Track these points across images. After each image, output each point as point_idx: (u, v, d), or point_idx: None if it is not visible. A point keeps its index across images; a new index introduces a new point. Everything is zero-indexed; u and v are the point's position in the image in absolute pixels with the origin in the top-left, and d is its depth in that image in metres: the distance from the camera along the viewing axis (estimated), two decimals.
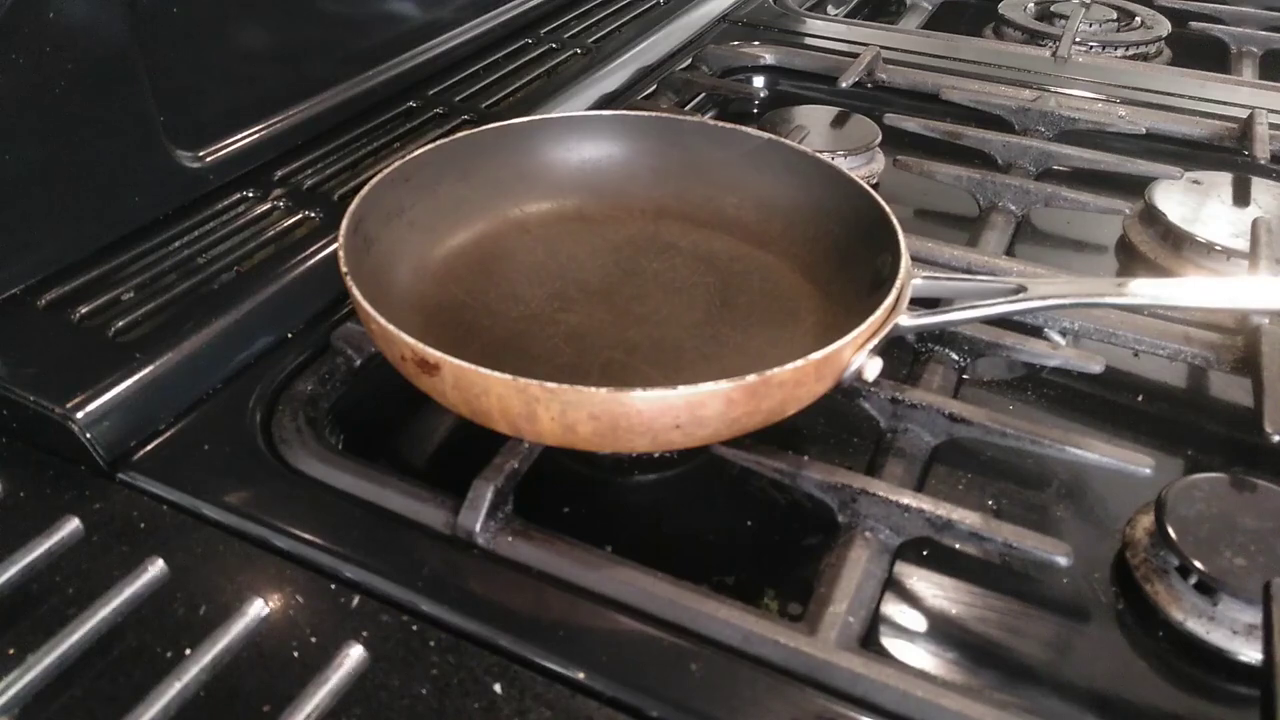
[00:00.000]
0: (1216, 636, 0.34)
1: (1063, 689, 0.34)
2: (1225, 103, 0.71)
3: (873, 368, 0.38)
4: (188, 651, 0.31)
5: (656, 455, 0.42)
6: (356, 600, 0.33)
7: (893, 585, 0.37)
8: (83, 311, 0.44)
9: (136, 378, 0.40)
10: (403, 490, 0.38)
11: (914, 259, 0.44)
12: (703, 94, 0.73)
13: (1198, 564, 0.34)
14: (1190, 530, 0.35)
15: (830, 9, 0.97)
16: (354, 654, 0.31)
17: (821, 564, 0.36)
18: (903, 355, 0.47)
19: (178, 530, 0.35)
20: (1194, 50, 0.87)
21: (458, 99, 0.66)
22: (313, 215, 0.52)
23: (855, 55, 0.75)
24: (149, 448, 0.39)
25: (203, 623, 0.32)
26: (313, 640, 0.32)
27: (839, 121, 0.66)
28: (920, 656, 0.35)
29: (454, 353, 0.34)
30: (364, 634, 0.32)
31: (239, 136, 0.55)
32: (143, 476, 0.38)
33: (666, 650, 0.32)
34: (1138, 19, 0.91)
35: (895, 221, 0.43)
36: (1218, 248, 0.53)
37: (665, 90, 0.72)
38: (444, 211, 0.49)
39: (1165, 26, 0.89)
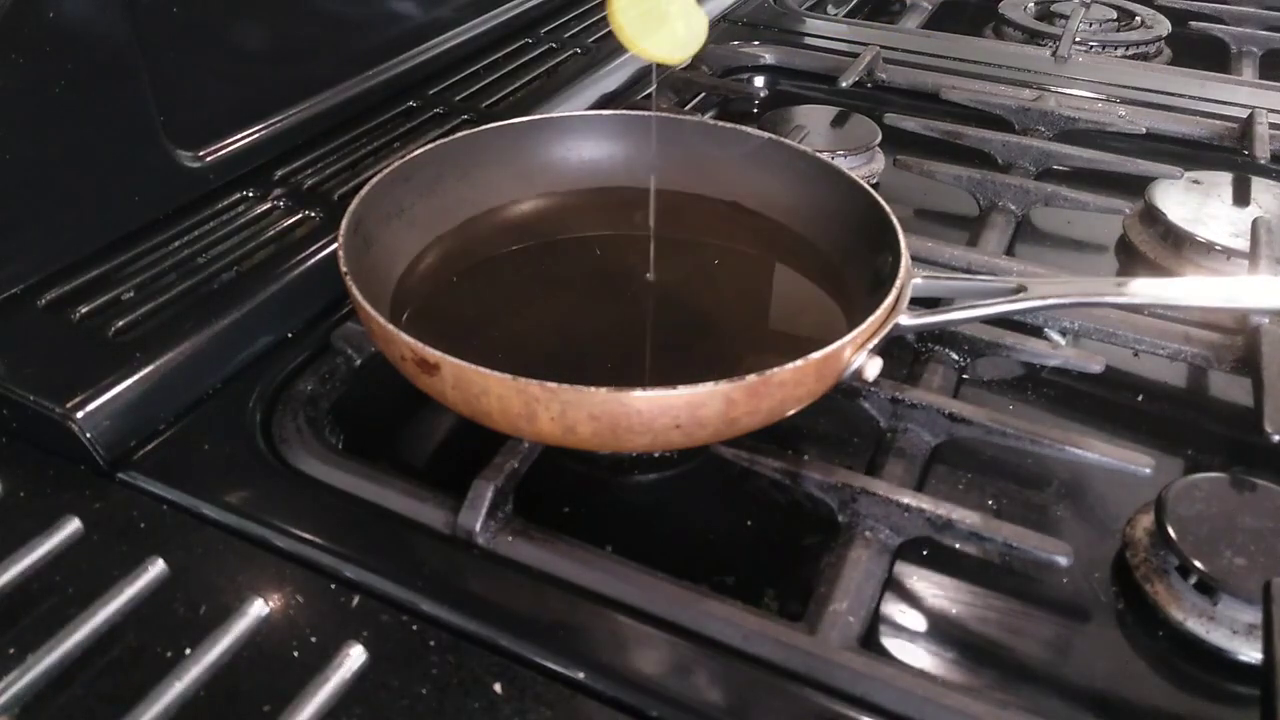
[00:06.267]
0: (1216, 636, 0.34)
1: (1063, 689, 0.34)
2: (1225, 103, 0.71)
3: (873, 367, 0.38)
4: (188, 651, 0.30)
5: (656, 455, 0.42)
6: (356, 600, 0.33)
7: (893, 585, 0.37)
8: (83, 311, 0.44)
9: (136, 378, 0.40)
10: (403, 490, 0.38)
11: (914, 259, 0.44)
12: (703, 94, 0.73)
13: (1198, 564, 0.34)
14: (1190, 530, 0.35)
15: (830, 9, 0.97)
16: (354, 654, 0.31)
17: (821, 564, 0.36)
18: (903, 355, 0.47)
19: (178, 530, 0.35)
20: (1194, 50, 0.87)
21: (458, 99, 0.66)
22: (313, 215, 0.52)
23: (855, 55, 0.75)
24: (149, 448, 0.39)
25: (203, 623, 0.32)
26: (313, 640, 0.32)
27: (839, 121, 0.66)
28: (920, 656, 0.35)
29: (454, 353, 0.34)
30: (364, 634, 0.32)
31: (239, 136, 0.55)
32: (143, 476, 0.38)
33: (667, 650, 0.32)
34: (1138, 19, 0.91)
35: (895, 221, 0.43)
36: (1218, 248, 0.53)
37: (665, 90, 0.72)
38: (444, 211, 0.49)
39: (1165, 26, 0.89)
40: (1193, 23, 0.91)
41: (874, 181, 0.63)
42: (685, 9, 0.40)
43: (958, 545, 0.37)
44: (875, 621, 0.35)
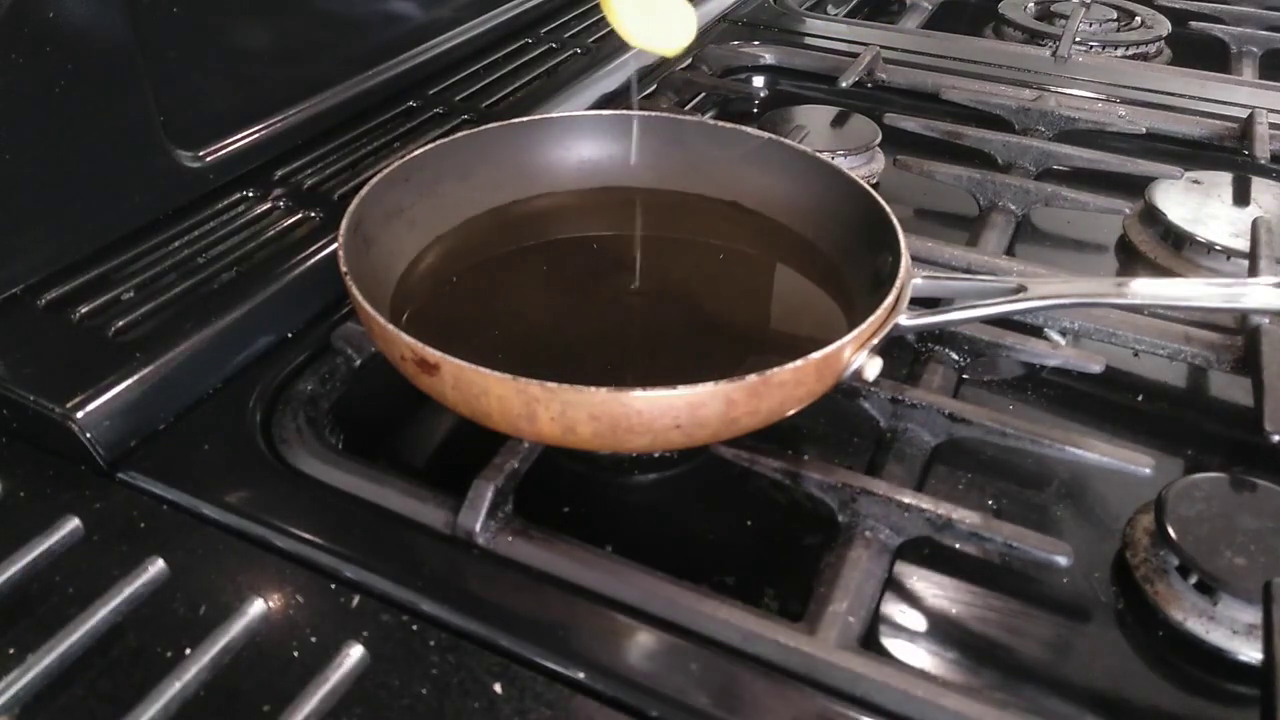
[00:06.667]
0: (1216, 636, 0.34)
1: (1063, 689, 0.34)
2: (1225, 103, 0.71)
3: (873, 367, 0.38)
4: (188, 651, 0.30)
5: (656, 455, 0.42)
6: (356, 600, 0.33)
7: (893, 585, 0.37)
8: (83, 311, 0.44)
9: (136, 378, 0.40)
10: (403, 490, 0.38)
11: (914, 259, 0.44)
12: (703, 94, 0.73)
13: (1198, 564, 0.34)
14: (1190, 530, 0.35)
15: (830, 9, 0.97)
16: (354, 654, 0.31)
17: (821, 564, 0.36)
18: (903, 355, 0.47)
19: (178, 530, 0.35)
20: (1194, 50, 0.87)
21: (458, 99, 0.66)
22: (313, 215, 0.52)
23: (855, 55, 0.75)
24: (149, 448, 0.39)
25: (203, 622, 0.32)
26: (313, 640, 0.32)
27: (839, 121, 0.66)
28: (920, 656, 0.35)
29: (454, 353, 0.34)
30: (364, 634, 0.32)
31: (239, 136, 0.55)
32: (143, 476, 0.38)
33: (666, 650, 0.32)
34: (1138, 19, 0.91)
35: (895, 221, 0.43)
36: (1218, 248, 0.54)
37: (665, 90, 0.72)
38: (444, 211, 0.49)
39: (1165, 26, 0.89)
40: (1193, 23, 0.91)
41: (874, 181, 0.63)
42: (673, 2, 0.41)
43: (958, 545, 0.37)
44: (875, 621, 0.35)
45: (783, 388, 0.35)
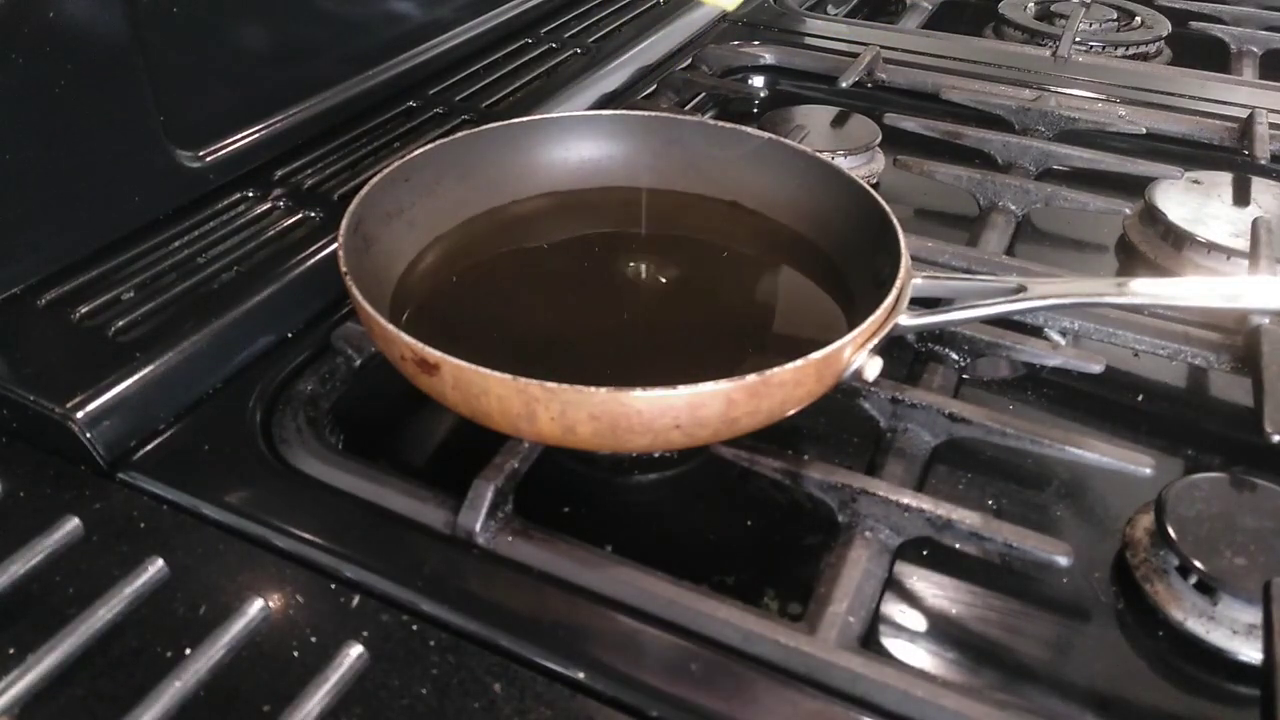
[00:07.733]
0: (1216, 636, 0.34)
1: (1063, 689, 0.34)
2: (1225, 103, 0.71)
3: (873, 367, 0.38)
4: (188, 651, 0.31)
5: (656, 455, 0.42)
6: (356, 600, 0.33)
7: (893, 585, 0.37)
8: (83, 311, 0.44)
9: (136, 378, 0.40)
10: (403, 490, 0.38)
11: (914, 259, 0.44)
12: (703, 94, 0.73)
13: (1198, 564, 0.34)
14: (1190, 530, 0.35)
15: (830, 9, 0.97)
16: (354, 654, 0.31)
17: (821, 564, 0.36)
18: (903, 355, 0.47)
19: (178, 530, 0.35)
20: (1194, 50, 0.87)
21: (458, 99, 0.66)
22: (313, 215, 0.52)
23: (855, 55, 0.75)
24: (149, 448, 0.39)
25: (203, 622, 0.32)
26: (313, 640, 0.32)
27: (839, 121, 0.66)
28: (920, 656, 0.35)
29: (454, 353, 0.34)
30: (364, 634, 0.32)
31: (239, 136, 0.55)
32: (143, 476, 0.38)
33: (666, 650, 0.32)
34: (1138, 19, 0.91)
35: (895, 221, 0.43)
36: (1218, 248, 0.53)
37: (665, 90, 0.72)
38: (444, 211, 0.49)
39: (1165, 26, 0.89)
40: (1193, 23, 0.91)
41: (874, 181, 0.63)
42: None
43: (958, 545, 0.37)
44: (875, 621, 0.35)
45: (783, 388, 0.35)
